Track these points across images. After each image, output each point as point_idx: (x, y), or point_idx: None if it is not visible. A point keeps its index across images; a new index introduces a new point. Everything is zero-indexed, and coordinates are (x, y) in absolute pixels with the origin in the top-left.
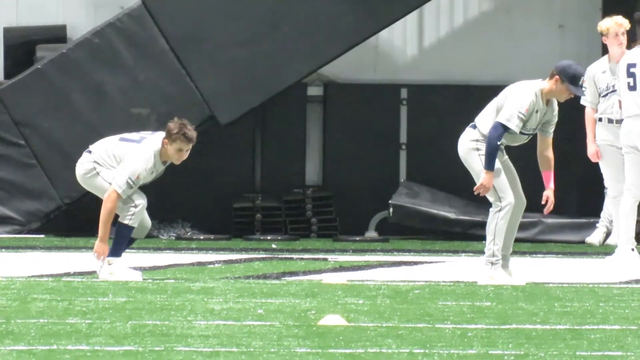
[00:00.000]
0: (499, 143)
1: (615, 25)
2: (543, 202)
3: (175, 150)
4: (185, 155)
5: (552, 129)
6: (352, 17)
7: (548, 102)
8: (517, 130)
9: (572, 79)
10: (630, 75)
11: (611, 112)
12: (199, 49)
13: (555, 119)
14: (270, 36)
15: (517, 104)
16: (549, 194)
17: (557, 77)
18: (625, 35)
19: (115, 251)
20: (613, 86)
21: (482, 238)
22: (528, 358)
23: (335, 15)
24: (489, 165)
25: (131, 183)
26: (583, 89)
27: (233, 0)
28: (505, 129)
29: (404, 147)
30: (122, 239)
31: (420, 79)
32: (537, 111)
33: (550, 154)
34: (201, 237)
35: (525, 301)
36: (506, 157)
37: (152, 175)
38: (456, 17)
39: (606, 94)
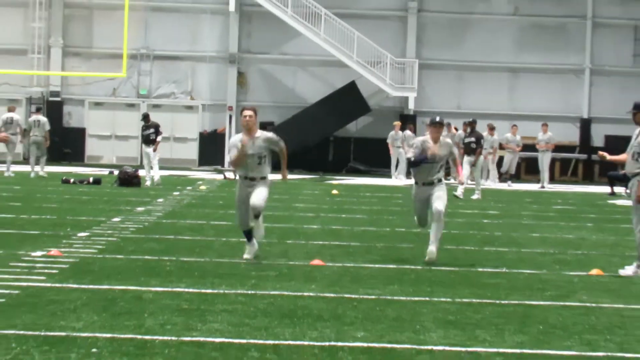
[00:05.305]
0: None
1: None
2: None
3: (242, 118)
4: (247, 119)
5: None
6: (331, 119)
7: (436, 142)
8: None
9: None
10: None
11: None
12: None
13: (448, 151)
14: (311, 121)
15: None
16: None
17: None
18: None
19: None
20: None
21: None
22: None
23: (326, 117)
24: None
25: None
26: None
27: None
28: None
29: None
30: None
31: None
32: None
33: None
34: (294, 171)
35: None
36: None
37: (249, 145)
38: None
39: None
